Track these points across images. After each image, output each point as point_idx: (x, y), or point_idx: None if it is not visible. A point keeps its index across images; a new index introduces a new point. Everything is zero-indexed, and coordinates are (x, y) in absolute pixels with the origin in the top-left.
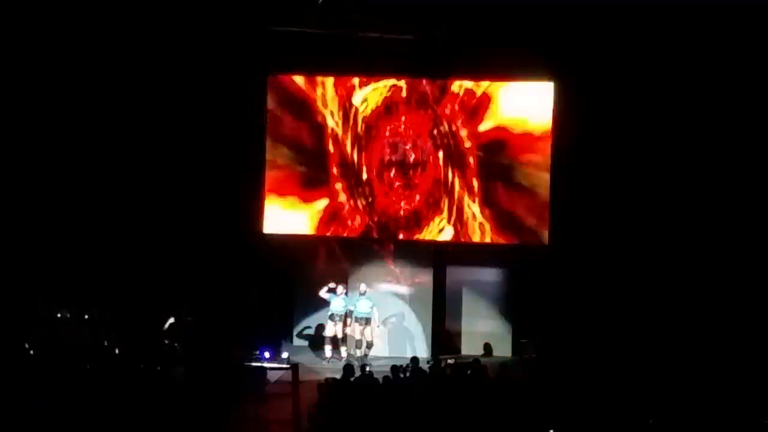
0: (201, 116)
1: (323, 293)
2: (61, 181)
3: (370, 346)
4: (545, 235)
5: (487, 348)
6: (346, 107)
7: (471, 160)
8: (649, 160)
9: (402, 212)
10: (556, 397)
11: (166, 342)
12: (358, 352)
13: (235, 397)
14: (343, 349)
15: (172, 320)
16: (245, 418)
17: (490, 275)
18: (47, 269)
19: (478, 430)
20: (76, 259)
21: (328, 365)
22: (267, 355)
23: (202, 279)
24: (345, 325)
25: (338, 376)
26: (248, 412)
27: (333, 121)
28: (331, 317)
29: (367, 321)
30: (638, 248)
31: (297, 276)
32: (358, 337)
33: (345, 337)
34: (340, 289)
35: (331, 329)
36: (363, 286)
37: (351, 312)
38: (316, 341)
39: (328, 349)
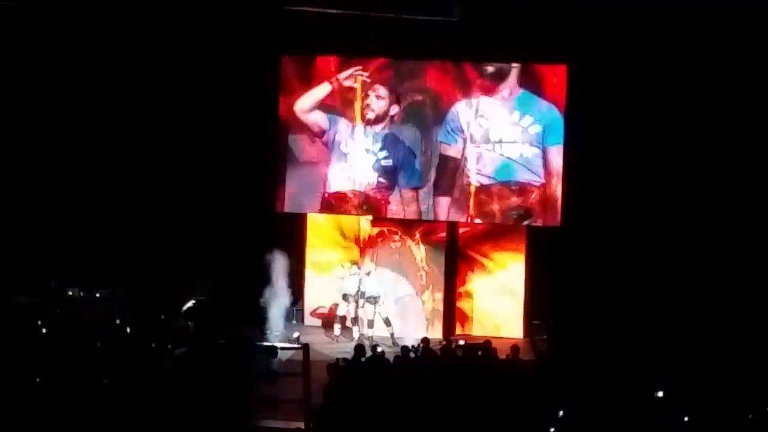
0: (215, 96)
1: (336, 273)
2: (76, 158)
3: (388, 323)
4: (558, 215)
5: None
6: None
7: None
8: (664, 143)
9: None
10: (567, 379)
11: (180, 321)
12: (369, 332)
13: (245, 377)
14: (355, 329)
15: (192, 303)
16: (256, 398)
17: (502, 256)
18: (60, 247)
19: (487, 412)
20: (90, 236)
21: (338, 344)
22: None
23: (214, 257)
24: (357, 305)
25: (349, 356)
26: (259, 392)
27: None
28: (345, 297)
29: (377, 300)
30: (652, 230)
31: (310, 255)
32: (369, 317)
33: (357, 317)
34: (354, 269)
35: (344, 308)
36: (370, 266)
37: (363, 293)
38: (328, 320)
39: (337, 328)
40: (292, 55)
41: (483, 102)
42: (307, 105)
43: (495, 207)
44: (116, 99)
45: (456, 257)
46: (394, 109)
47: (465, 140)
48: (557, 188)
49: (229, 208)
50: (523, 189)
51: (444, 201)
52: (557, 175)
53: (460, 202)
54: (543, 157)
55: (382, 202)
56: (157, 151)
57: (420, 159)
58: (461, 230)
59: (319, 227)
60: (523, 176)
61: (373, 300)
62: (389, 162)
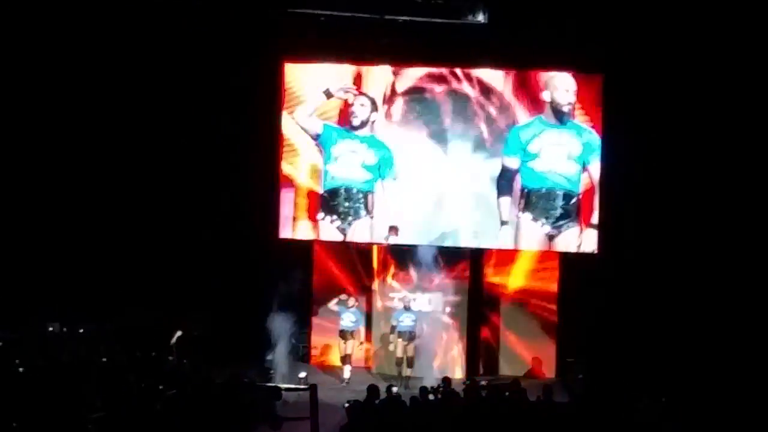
0: (214, 112)
1: (332, 306)
2: (60, 181)
3: (411, 363)
4: (594, 243)
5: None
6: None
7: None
8: (706, 161)
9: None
10: (606, 424)
11: (171, 358)
12: (396, 371)
13: (245, 422)
14: (347, 370)
15: (179, 334)
16: None
17: (532, 288)
18: (40, 278)
19: None
20: (74, 266)
21: (344, 386)
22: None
23: (211, 289)
24: (355, 340)
25: (360, 397)
26: None
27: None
28: (342, 334)
29: (411, 336)
30: (698, 257)
31: (314, 287)
32: (399, 354)
33: (349, 356)
34: (352, 301)
35: (340, 348)
36: (408, 298)
37: (394, 327)
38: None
39: (347, 370)
40: (295, 60)
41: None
42: (305, 113)
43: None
44: (105, 117)
45: (480, 288)
46: (374, 116)
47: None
48: (594, 213)
49: (229, 234)
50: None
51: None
52: (593, 195)
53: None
54: (581, 174)
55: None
56: (151, 174)
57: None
58: (487, 260)
59: (329, 254)
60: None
61: (407, 336)
62: (373, 160)
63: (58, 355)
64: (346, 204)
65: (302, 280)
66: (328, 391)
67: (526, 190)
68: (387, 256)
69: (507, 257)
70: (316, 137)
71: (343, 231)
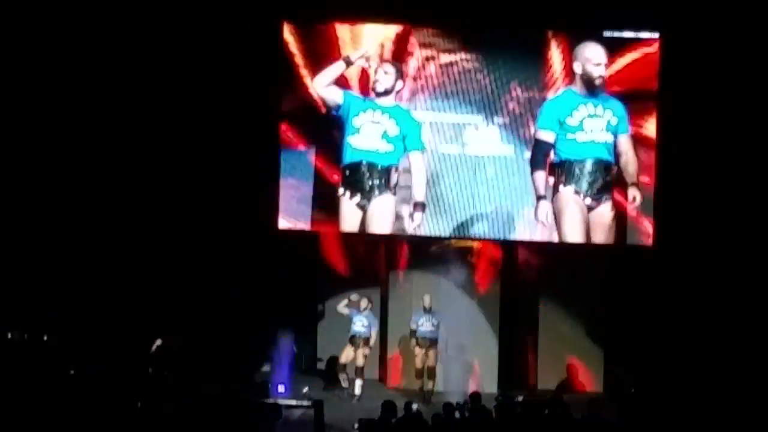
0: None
1: (341, 308)
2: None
3: (433, 374)
4: (649, 234)
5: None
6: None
7: None
8: None
9: None
10: None
11: (151, 370)
12: (418, 384)
13: None
14: (358, 384)
15: (159, 342)
16: None
17: (576, 286)
18: None
19: None
20: (36, 262)
21: (354, 402)
22: (281, 389)
23: (197, 289)
24: (368, 348)
25: (374, 415)
26: None
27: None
28: (352, 340)
29: (432, 343)
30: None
31: (320, 286)
32: (419, 364)
33: (362, 368)
34: (364, 302)
35: (349, 355)
36: (428, 299)
37: (413, 332)
38: (330, 372)
39: (343, 379)
40: (298, 24)
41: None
42: (324, 81)
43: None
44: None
45: (515, 286)
46: (399, 84)
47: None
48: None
49: (219, 225)
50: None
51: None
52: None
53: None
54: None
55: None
56: (131, 155)
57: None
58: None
59: (337, 248)
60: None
61: (427, 344)
62: (396, 131)
63: (17, 367)
64: (368, 179)
65: (306, 279)
66: (336, 408)
67: (567, 163)
68: (405, 250)
69: (546, 249)
70: (336, 108)
71: (363, 208)
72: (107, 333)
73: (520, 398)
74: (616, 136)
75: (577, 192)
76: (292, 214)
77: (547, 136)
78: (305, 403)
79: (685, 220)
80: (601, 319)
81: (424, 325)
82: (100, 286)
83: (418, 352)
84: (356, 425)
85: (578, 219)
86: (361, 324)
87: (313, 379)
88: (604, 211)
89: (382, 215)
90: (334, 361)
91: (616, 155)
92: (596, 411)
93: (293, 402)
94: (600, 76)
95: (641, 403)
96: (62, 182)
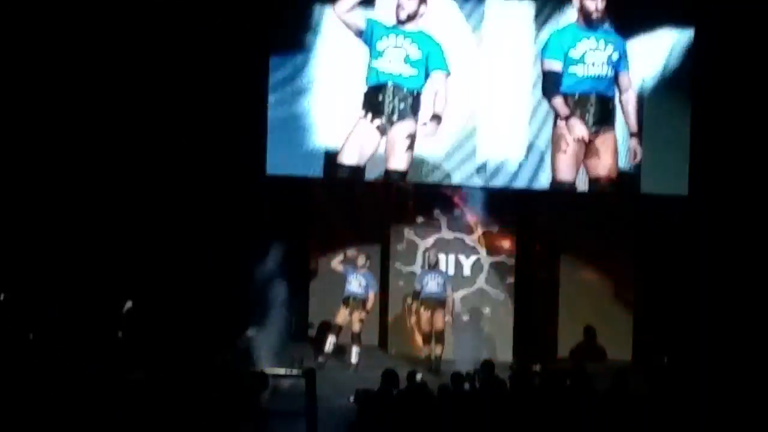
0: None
1: (336, 265)
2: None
3: (441, 339)
4: (684, 182)
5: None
6: None
7: None
8: None
9: None
10: (696, 420)
11: (120, 335)
12: (425, 351)
13: (221, 419)
14: (355, 351)
15: (130, 304)
16: None
17: (601, 243)
18: None
19: None
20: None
21: (351, 372)
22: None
23: (172, 243)
24: (365, 312)
25: (373, 386)
26: None
27: None
28: (346, 301)
29: (439, 304)
30: None
31: (313, 240)
32: (425, 327)
33: (359, 334)
34: (362, 259)
35: (343, 318)
36: (433, 255)
37: (417, 293)
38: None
39: (329, 342)
40: None
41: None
42: (346, 6)
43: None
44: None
45: (533, 243)
46: (423, 9)
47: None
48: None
49: (199, 170)
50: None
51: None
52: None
53: None
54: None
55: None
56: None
57: None
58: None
59: (332, 197)
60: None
61: (436, 305)
62: (419, 54)
63: None
64: (392, 101)
65: (297, 231)
66: (331, 378)
67: (567, 96)
68: (409, 200)
69: (568, 201)
70: (358, 34)
71: (383, 131)
72: (70, 292)
73: (538, 368)
74: (617, 72)
75: (576, 124)
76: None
77: (554, 65)
78: (295, 372)
79: (723, 168)
80: (629, 280)
81: (429, 284)
82: (63, 232)
83: (424, 314)
84: (352, 398)
85: (572, 153)
86: (357, 284)
87: (303, 345)
88: (605, 141)
89: (402, 141)
90: (324, 327)
91: (618, 92)
92: (623, 382)
93: (282, 371)
94: (597, 10)
95: (673, 374)
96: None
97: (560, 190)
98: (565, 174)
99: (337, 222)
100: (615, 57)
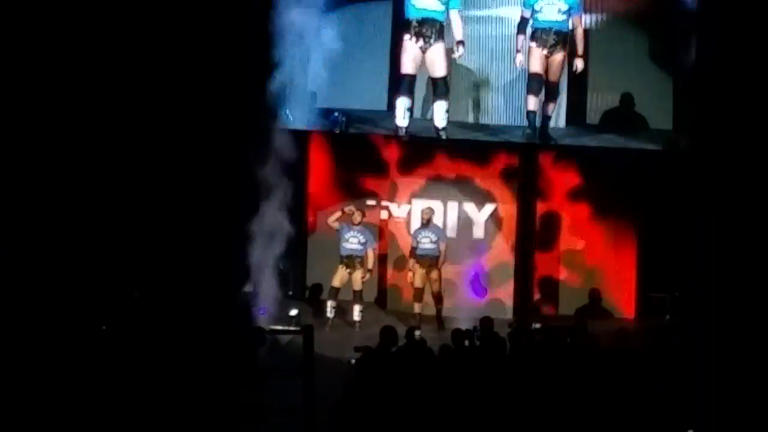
0: None
1: (332, 222)
2: None
3: (440, 299)
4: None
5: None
6: None
7: None
8: None
9: None
10: (701, 381)
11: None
12: (417, 307)
13: (215, 376)
14: (357, 309)
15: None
16: (233, 405)
17: (604, 193)
18: None
19: (580, 426)
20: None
21: (356, 329)
22: (264, 311)
23: (163, 191)
24: (366, 270)
25: (372, 343)
26: (237, 395)
27: None
28: (345, 261)
29: (434, 262)
30: None
31: (311, 193)
32: (418, 284)
33: (360, 292)
34: (358, 216)
35: (342, 277)
36: (427, 212)
37: (413, 249)
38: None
39: (329, 307)
40: None
41: None
42: None
43: None
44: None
45: (534, 195)
46: None
47: None
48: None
49: (190, 117)
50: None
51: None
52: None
53: None
54: None
55: None
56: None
57: None
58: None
59: (328, 148)
60: None
61: (430, 262)
62: None
63: None
64: (428, 29)
65: (294, 185)
66: (329, 334)
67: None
68: (405, 150)
69: (570, 150)
70: None
71: (423, 51)
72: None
73: (538, 325)
74: (569, 17)
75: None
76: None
77: (526, 13)
78: (293, 328)
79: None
80: (633, 232)
81: (423, 242)
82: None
83: (419, 272)
84: (354, 361)
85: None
86: (356, 241)
87: (300, 303)
88: (557, 59)
89: (439, 57)
90: (318, 289)
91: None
92: (625, 341)
93: (279, 327)
94: None
95: (678, 333)
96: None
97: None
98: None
99: (335, 176)
100: (564, 8)
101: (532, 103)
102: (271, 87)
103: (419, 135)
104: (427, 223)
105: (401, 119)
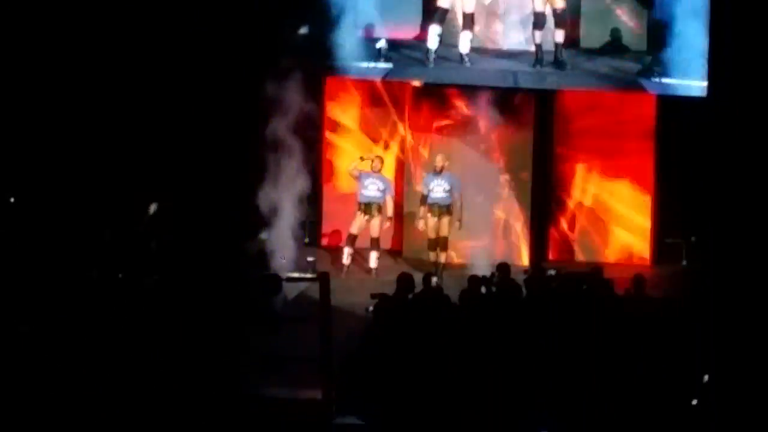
0: None
1: (350, 169)
2: None
3: (445, 246)
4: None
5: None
6: None
7: None
8: None
9: None
10: (718, 327)
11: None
12: (432, 256)
13: (233, 323)
14: (374, 257)
15: (155, 207)
16: (248, 354)
17: (617, 142)
18: None
19: (595, 374)
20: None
21: (374, 277)
22: (282, 259)
23: (186, 147)
24: (385, 219)
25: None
26: (253, 344)
27: None
28: (363, 208)
29: (446, 210)
30: None
31: (325, 139)
32: (431, 234)
33: (378, 239)
34: (378, 162)
35: (360, 224)
36: (440, 159)
37: (424, 197)
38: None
39: (346, 253)
40: None
41: None
42: None
43: None
44: None
45: (550, 141)
46: None
47: None
48: None
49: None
50: None
51: None
52: None
53: None
54: None
55: None
56: None
57: None
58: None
59: (346, 89)
60: None
61: (438, 211)
62: None
63: None
64: None
65: (309, 131)
66: (345, 282)
67: None
68: (421, 96)
69: (588, 97)
70: None
71: None
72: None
73: (553, 272)
74: None
75: None
76: None
77: None
78: (309, 275)
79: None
80: (650, 178)
81: (435, 190)
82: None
83: (430, 220)
84: (371, 308)
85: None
86: (375, 188)
87: (316, 250)
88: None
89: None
90: (334, 236)
91: None
92: (642, 287)
93: (295, 274)
94: None
95: (695, 277)
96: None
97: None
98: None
99: (353, 122)
100: None
101: (538, 36)
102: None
103: (446, 58)
104: (440, 171)
105: (432, 43)
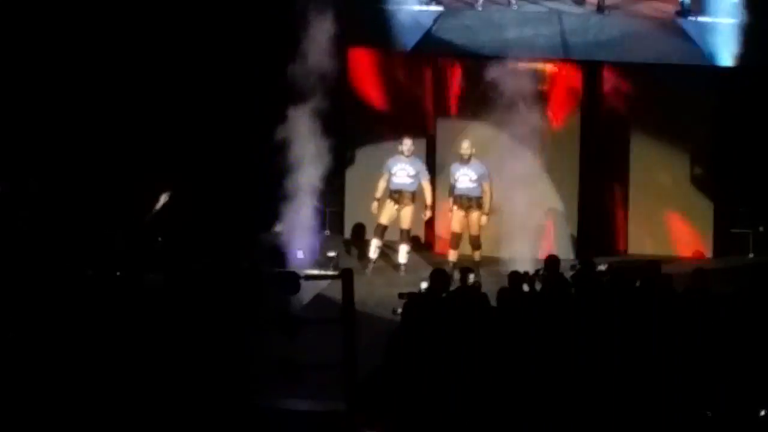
0: None
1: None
2: None
3: (477, 244)
4: None
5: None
6: None
7: None
8: None
9: None
10: None
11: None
12: (451, 255)
13: (246, 325)
14: (403, 250)
15: (165, 198)
16: (262, 361)
17: (679, 119)
18: None
19: (650, 377)
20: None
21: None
22: (300, 255)
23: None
24: (423, 208)
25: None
26: (268, 350)
27: None
28: (393, 196)
29: (474, 203)
30: None
31: (349, 122)
32: (457, 228)
33: (408, 231)
34: (408, 145)
35: (390, 213)
36: (467, 146)
37: (451, 188)
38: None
39: (373, 246)
40: None
41: None
42: None
43: None
44: None
45: (598, 122)
46: None
47: None
48: None
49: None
50: None
51: None
52: None
53: None
54: None
55: None
56: None
57: None
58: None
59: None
60: None
61: (467, 203)
62: None
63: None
64: None
65: (332, 113)
66: (371, 279)
67: None
68: (459, 76)
69: (640, 69)
70: None
71: None
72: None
73: (604, 267)
74: None
75: None
76: None
77: None
78: (331, 272)
79: None
80: (711, 162)
81: (461, 179)
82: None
83: (457, 213)
84: (399, 309)
85: None
86: (405, 174)
87: (339, 243)
88: None
89: None
90: (359, 228)
91: None
92: (703, 282)
93: (315, 271)
94: None
95: (762, 272)
96: None
97: None
98: None
99: (379, 101)
100: None
101: None
102: None
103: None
104: (468, 159)
105: None
